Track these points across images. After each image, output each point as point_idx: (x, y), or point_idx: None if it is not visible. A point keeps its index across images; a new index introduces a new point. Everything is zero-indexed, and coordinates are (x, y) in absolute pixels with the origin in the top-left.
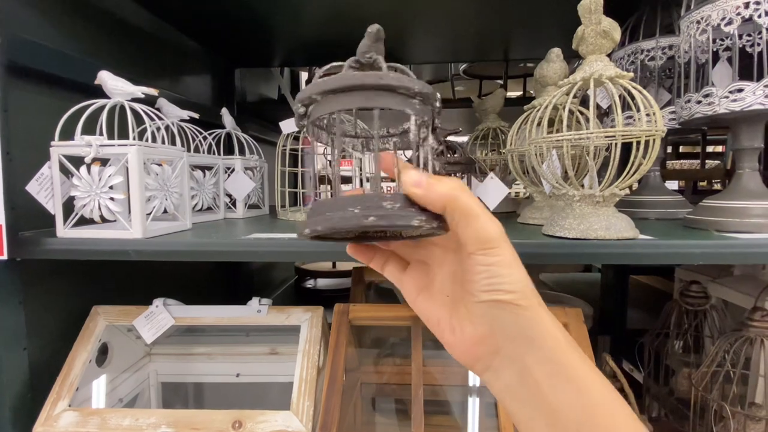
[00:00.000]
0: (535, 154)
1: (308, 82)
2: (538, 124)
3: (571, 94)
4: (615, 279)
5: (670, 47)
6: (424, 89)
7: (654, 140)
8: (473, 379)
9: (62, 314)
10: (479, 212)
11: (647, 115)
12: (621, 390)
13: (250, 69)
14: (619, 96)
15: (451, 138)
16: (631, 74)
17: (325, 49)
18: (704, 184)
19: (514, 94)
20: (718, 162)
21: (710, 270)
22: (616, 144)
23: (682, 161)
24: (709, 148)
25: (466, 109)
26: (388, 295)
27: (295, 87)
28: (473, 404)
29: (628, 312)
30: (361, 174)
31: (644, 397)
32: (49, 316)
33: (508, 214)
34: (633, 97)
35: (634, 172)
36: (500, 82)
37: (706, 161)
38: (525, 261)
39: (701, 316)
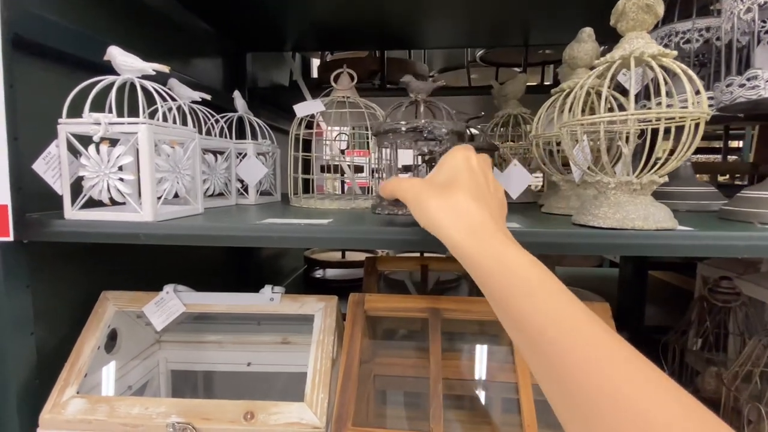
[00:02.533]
0: (568, 139)
1: (321, 68)
2: (570, 109)
3: (610, 73)
4: (633, 274)
5: (708, 29)
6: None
7: (699, 124)
8: (493, 373)
9: (71, 299)
10: (399, 192)
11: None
12: None
13: (261, 54)
14: (651, 79)
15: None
16: (675, 52)
17: (337, 32)
18: (725, 178)
19: (530, 83)
20: (736, 157)
21: (735, 266)
22: (651, 127)
23: (698, 155)
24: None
25: (481, 97)
26: (399, 286)
27: (306, 73)
28: (493, 399)
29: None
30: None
31: None
32: (57, 301)
33: (527, 204)
34: (665, 82)
35: (677, 158)
36: (517, 69)
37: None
38: (555, 251)
39: (724, 313)
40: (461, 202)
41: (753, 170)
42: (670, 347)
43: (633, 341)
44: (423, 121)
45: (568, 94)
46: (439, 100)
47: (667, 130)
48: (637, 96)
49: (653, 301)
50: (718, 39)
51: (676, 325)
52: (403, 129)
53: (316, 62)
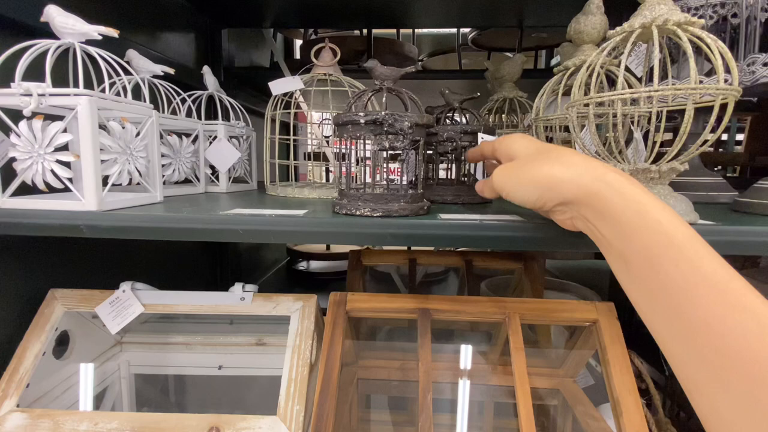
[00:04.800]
0: (576, 120)
1: (303, 47)
2: (579, 87)
3: (629, 45)
4: None
5: (722, 5)
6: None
7: (728, 104)
8: (487, 376)
9: (11, 298)
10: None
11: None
12: (645, 391)
13: (238, 30)
14: (660, 59)
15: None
16: (702, 21)
17: (320, 8)
18: (717, 170)
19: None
20: (721, 149)
21: (733, 261)
22: (661, 109)
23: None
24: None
25: (473, 81)
26: (386, 279)
27: (288, 54)
28: (488, 404)
29: None
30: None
31: (665, 396)
32: None
33: None
34: (674, 60)
35: (703, 142)
36: (510, 54)
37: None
38: (566, 247)
39: None
40: (572, 156)
41: (750, 161)
42: None
43: (625, 335)
44: (384, 112)
45: (572, 73)
46: (429, 83)
47: (673, 116)
48: (641, 79)
49: None
50: (733, 16)
51: None
52: (362, 121)
53: (298, 43)
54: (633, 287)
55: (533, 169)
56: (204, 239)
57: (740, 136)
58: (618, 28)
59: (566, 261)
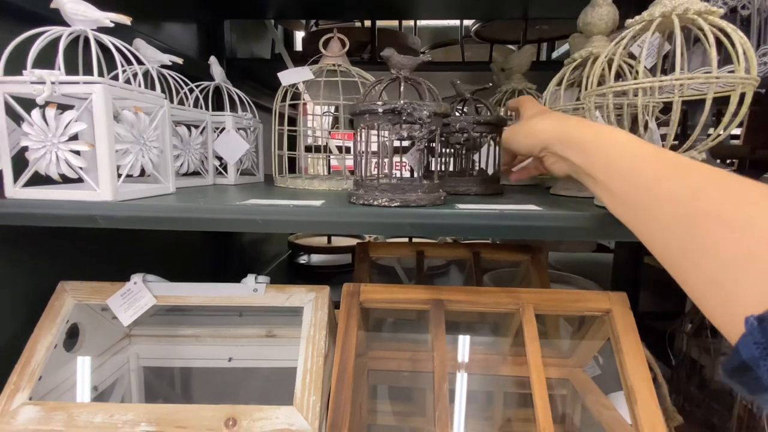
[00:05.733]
0: (594, 110)
1: (305, 39)
2: (594, 77)
3: (651, 31)
4: (628, 260)
5: None
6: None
7: (746, 93)
8: (500, 367)
9: (22, 291)
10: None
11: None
12: (654, 380)
13: (240, 21)
14: (670, 50)
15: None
16: (722, 10)
17: None
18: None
19: None
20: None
21: None
22: (680, 99)
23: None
24: None
25: (476, 73)
26: (388, 272)
27: (289, 46)
28: (499, 394)
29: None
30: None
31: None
32: (5, 294)
33: (530, 187)
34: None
35: (722, 131)
36: (513, 47)
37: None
38: (580, 236)
39: None
40: (556, 113)
41: (750, 154)
42: (677, 337)
43: None
44: (402, 101)
45: (579, 65)
46: (432, 76)
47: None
48: (652, 70)
49: (647, 288)
50: (743, 8)
51: (680, 313)
52: (380, 110)
53: (299, 35)
54: (611, 203)
55: (525, 126)
56: (222, 229)
57: (736, 130)
58: (637, 17)
59: (569, 253)
